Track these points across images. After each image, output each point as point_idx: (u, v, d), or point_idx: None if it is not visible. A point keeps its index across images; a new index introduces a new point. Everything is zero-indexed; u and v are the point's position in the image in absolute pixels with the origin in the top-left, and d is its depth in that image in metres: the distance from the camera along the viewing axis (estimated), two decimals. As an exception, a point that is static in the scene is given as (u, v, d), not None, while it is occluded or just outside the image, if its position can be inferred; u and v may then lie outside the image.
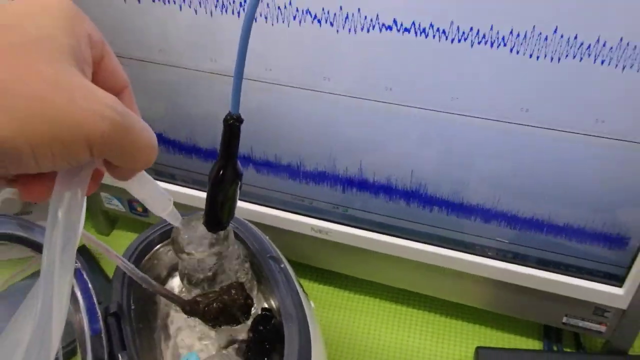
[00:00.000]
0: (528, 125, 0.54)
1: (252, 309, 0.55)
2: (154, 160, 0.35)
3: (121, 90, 0.36)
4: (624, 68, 0.47)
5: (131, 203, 0.81)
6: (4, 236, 0.58)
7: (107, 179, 0.37)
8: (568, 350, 0.71)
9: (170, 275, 0.63)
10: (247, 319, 0.55)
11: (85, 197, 0.35)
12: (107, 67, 0.35)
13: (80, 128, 0.29)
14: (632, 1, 0.44)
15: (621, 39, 0.45)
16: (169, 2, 0.59)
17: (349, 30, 0.54)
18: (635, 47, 0.46)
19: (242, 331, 0.57)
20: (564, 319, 0.67)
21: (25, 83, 0.28)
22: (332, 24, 0.54)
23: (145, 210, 0.81)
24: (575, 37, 0.47)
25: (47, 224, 0.35)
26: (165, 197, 0.45)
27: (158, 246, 0.62)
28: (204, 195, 0.48)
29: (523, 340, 0.73)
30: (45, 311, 0.34)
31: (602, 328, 0.65)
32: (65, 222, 0.34)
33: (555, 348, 0.71)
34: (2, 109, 0.28)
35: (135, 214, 0.83)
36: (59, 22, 0.31)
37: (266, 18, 0.57)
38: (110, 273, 0.75)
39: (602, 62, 0.47)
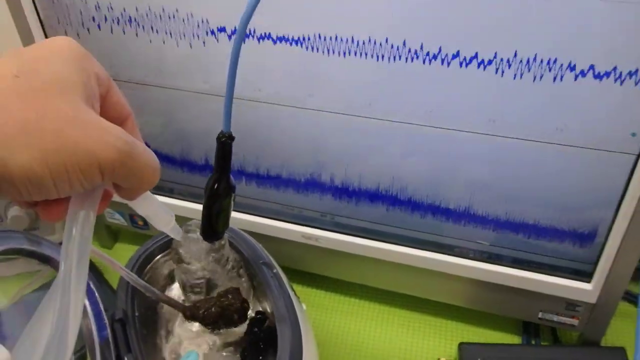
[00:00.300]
0: (496, 135, 0.57)
1: (248, 312, 0.57)
2: (156, 182, 0.38)
3: (125, 119, 0.40)
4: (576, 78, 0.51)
5: (132, 217, 0.84)
6: (15, 250, 0.60)
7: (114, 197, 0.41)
8: (545, 344, 0.74)
9: (169, 283, 0.65)
10: (244, 321, 0.57)
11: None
12: (112, 99, 0.39)
13: (94, 157, 0.33)
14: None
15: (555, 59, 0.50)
16: (165, 33, 0.63)
17: (329, 52, 0.58)
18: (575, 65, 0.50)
19: (238, 333, 0.60)
20: (540, 314, 0.70)
21: (47, 120, 0.32)
22: (312, 48, 0.58)
23: (146, 223, 0.83)
24: (534, 59, 0.51)
25: (63, 239, 0.38)
26: (167, 214, 0.47)
27: (158, 257, 0.65)
28: (200, 207, 0.51)
29: (503, 336, 0.75)
30: (63, 316, 0.37)
31: (575, 322, 0.68)
32: (80, 238, 0.38)
33: (533, 342, 0.73)
34: (28, 144, 0.31)
35: (136, 227, 0.85)
36: (70, 64, 0.35)
37: (258, 40, 0.60)
38: (113, 284, 0.77)
39: (555, 78, 0.52)
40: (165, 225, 0.48)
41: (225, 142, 0.47)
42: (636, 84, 0.50)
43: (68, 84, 0.34)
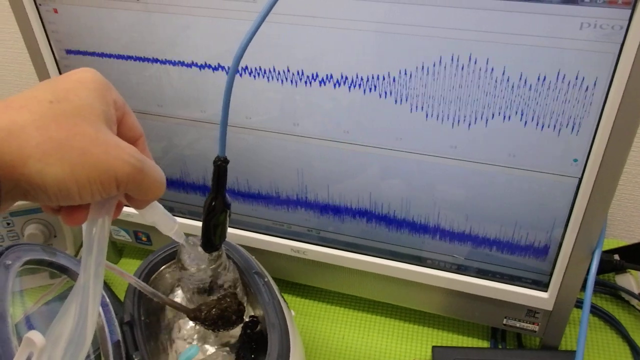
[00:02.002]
0: (456, 159, 0.62)
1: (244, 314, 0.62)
2: (162, 193, 0.43)
3: (138, 139, 0.45)
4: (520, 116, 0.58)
5: (137, 234, 0.87)
6: (36, 261, 0.65)
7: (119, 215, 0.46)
8: (510, 347, 0.79)
9: (172, 291, 0.70)
10: (241, 322, 0.62)
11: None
12: (127, 123, 0.44)
13: (112, 171, 0.38)
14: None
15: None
16: (165, 68, 0.68)
17: (309, 85, 0.63)
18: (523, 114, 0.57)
19: (234, 335, 0.65)
20: (505, 321, 0.74)
21: (76, 140, 0.37)
22: (294, 82, 0.63)
23: (149, 239, 0.87)
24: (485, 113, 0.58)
25: (84, 240, 0.43)
26: (171, 220, 0.52)
27: (162, 268, 0.70)
28: (198, 224, 0.55)
29: (473, 341, 0.80)
30: (83, 313, 0.42)
31: (535, 327, 0.73)
32: (98, 240, 0.43)
33: (500, 346, 0.78)
34: (60, 159, 0.36)
35: (140, 243, 0.88)
36: (94, 93, 0.40)
37: (248, 73, 0.65)
38: (119, 294, 0.80)
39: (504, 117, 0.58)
40: (170, 230, 0.53)
41: (220, 165, 0.52)
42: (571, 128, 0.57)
43: (92, 110, 0.39)
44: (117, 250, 0.96)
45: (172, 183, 0.80)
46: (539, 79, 0.55)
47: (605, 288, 0.86)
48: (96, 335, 0.64)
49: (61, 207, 0.42)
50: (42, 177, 0.35)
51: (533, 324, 0.73)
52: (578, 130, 0.57)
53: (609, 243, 0.86)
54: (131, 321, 0.63)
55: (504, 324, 0.75)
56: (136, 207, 0.47)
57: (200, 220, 0.56)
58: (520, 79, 0.56)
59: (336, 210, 0.73)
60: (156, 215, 0.51)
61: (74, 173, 0.36)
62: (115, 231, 0.89)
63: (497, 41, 0.54)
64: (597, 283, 0.85)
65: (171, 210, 0.79)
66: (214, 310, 0.60)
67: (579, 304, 0.79)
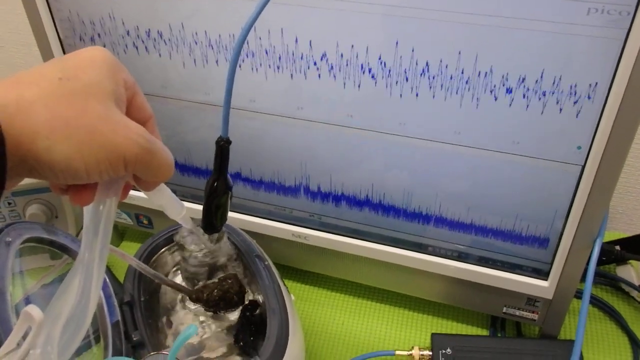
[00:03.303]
0: (460, 145, 0.62)
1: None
2: (171, 175, 0.43)
3: (147, 120, 0.45)
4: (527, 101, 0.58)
5: (138, 217, 0.88)
6: (36, 239, 0.65)
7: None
8: (509, 336, 0.79)
9: (172, 273, 0.70)
10: (242, 304, 0.62)
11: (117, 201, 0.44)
12: (137, 103, 0.43)
13: (120, 151, 0.38)
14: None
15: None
16: (171, 50, 0.68)
17: (313, 70, 0.63)
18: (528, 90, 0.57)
19: (233, 317, 0.65)
20: (504, 309, 0.74)
21: (84, 118, 0.36)
22: (298, 65, 0.63)
23: (150, 222, 0.88)
24: (494, 82, 0.57)
25: (88, 221, 0.43)
26: (179, 205, 0.52)
27: (163, 249, 0.70)
28: (200, 207, 0.55)
29: (472, 329, 0.80)
30: (85, 293, 0.42)
31: (535, 316, 0.73)
32: (105, 221, 0.43)
33: (499, 335, 0.79)
34: (68, 137, 0.36)
35: (142, 226, 0.89)
36: (104, 71, 0.39)
37: (253, 56, 0.64)
38: (118, 275, 0.78)
39: (511, 100, 0.58)
40: (177, 214, 0.53)
41: (223, 145, 0.52)
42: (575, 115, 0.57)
43: (102, 89, 0.38)
44: (118, 233, 0.96)
45: (174, 166, 0.79)
46: (544, 63, 0.55)
47: (606, 279, 0.86)
48: (95, 315, 0.63)
49: (69, 187, 0.42)
50: (50, 155, 0.35)
51: (533, 312, 0.73)
52: (583, 117, 0.57)
53: (610, 236, 0.86)
54: (131, 301, 0.63)
55: (504, 313, 0.75)
56: (144, 189, 0.47)
57: (201, 204, 0.55)
58: (527, 63, 0.56)
59: (338, 198, 0.74)
60: (164, 199, 0.51)
61: (82, 151, 0.36)
62: (117, 214, 0.89)
63: (504, 26, 0.54)
64: (598, 274, 0.85)
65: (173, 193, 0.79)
66: (215, 291, 0.60)
67: (579, 295, 0.78)
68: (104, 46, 0.71)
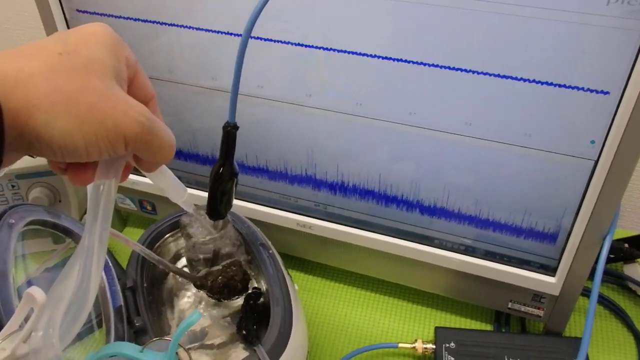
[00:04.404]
0: (471, 137, 0.61)
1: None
2: (172, 156, 0.42)
3: (149, 100, 0.44)
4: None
5: (142, 202, 0.87)
6: (39, 222, 0.65)
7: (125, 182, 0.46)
8: (514, 331, 0.78)
9: (176, 259, 0.70)
10: (246, 291, 0.62)
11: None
12: (139, 82, 0.43)
13: (120, 128, 0.37)
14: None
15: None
16: (178, 31, 0.67)
17: (323, 57, 0.62)
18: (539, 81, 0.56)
19: (236, 305, 0.65)
20: (509, 305, 0.73)
21: (84, 94, 0.36)
22: (307, 52, 0.62)
23: (154, 208, 0.87)
24: (506, 72, 0.56)
25: (88, 202, 0.42)
26: (181, 187, 0.52)
27: (167, 236, 0.69)
28: (204, 194, 0.55)
29: (476, 323, 0.79)
30: (86, 275, 0.42)
31: (540, 312, 0.72)
32: (105, 202, 0.42)
33: (503, 330, 0.78)
34: (67, 112, 0.35)
35: (145, 212, 0.88)
36: (106, 48, 0.39)
37: (262, 41, 0.64)
38: (121, 261, 0.78)
39: (523, 89, 0.56)
40: (179, 198, 0.52)
41: (230, 131, 0.51)
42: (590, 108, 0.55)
43: (103, 65, 0.38)
44: (121, 219, 0.96)
45: (178, 153, 0.79)
46: (560, 54, 0.54)
47: (613, 278, 0.85)
48: (98, 300, 0.63)
49: (68, 166, 0.41)
50: (48, 130, 0.35)
51: (538, 308, 0.73)
52: (597, 110, 0.56)
53: (619, 234, 0.85)
54: (134, 287, 0.63)
55: (509, 308, 0.75)
56: (145, 170, 0.46)
57: (206, 191, 0.55)
58: (543, 53, 0.54)
59: (344, 188, 0.73)
60: (165, 181, 0.50)
61: (81, 128, 0.36)
62: (121, 199, 0.89)
63: (520, 14, 0.53)
64: (605, 272, 0.82)
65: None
66: (219, 278, 0.60)
67: (585, 293, 0.78)
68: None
